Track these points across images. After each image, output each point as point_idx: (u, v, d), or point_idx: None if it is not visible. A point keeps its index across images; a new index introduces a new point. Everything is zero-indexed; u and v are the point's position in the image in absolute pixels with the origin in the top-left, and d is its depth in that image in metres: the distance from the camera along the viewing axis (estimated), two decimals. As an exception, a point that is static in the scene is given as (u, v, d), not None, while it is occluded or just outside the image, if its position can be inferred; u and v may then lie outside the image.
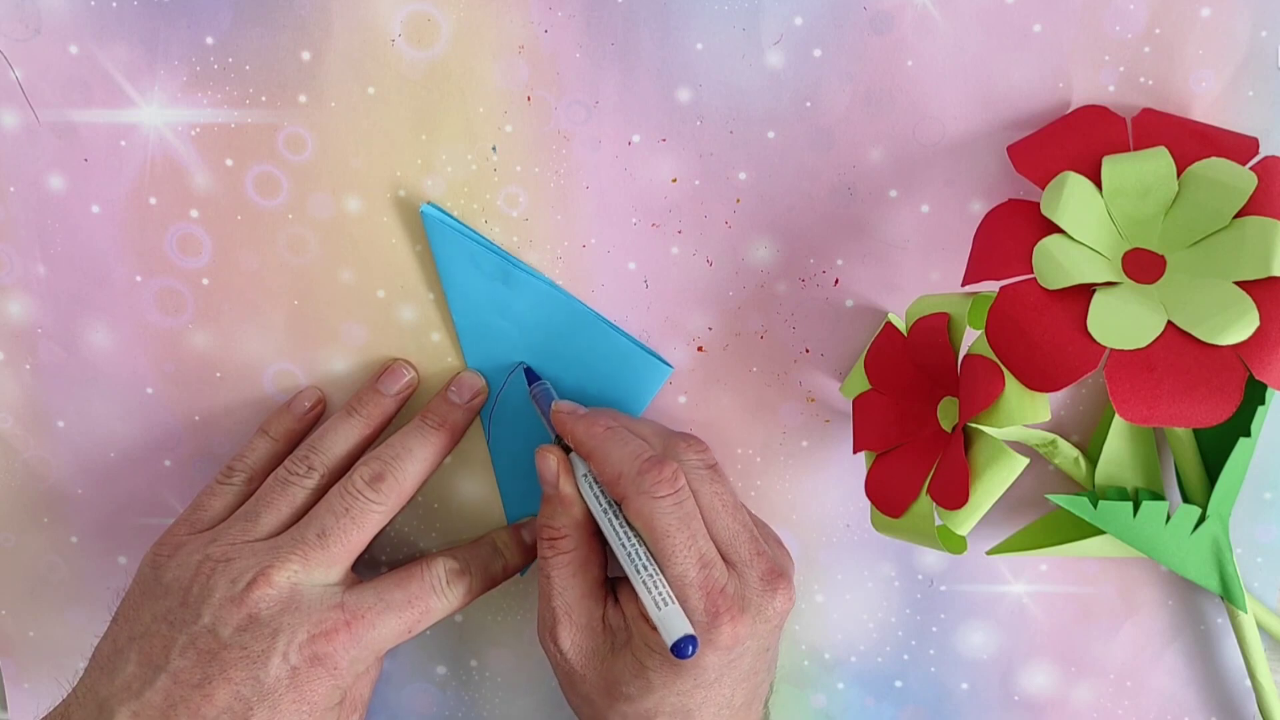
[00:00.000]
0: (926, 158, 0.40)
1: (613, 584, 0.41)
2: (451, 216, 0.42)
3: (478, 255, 0.42)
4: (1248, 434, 0.38)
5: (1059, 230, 0.36)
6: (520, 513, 0.45)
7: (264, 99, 0.42)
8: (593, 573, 0.40)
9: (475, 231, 0.42)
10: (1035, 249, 0.35)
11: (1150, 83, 0.39)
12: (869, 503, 0.40)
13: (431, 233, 0.42)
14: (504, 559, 0.43)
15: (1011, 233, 0.36)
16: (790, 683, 0.46)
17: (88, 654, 0.40)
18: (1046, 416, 0.35)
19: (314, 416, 0.45)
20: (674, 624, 0.35)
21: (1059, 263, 0.35)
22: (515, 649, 0.47)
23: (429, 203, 0.42)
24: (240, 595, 0.38)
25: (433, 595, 0.41)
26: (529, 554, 0.44)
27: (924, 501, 0.37)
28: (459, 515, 0.46)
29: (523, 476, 0.45)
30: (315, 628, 0.38)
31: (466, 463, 0.45)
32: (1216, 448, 0.40)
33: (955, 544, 0.37)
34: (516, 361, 0.43)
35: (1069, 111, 0.39)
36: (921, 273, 0.42)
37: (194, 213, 0.44)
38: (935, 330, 0.38)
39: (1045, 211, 0.36)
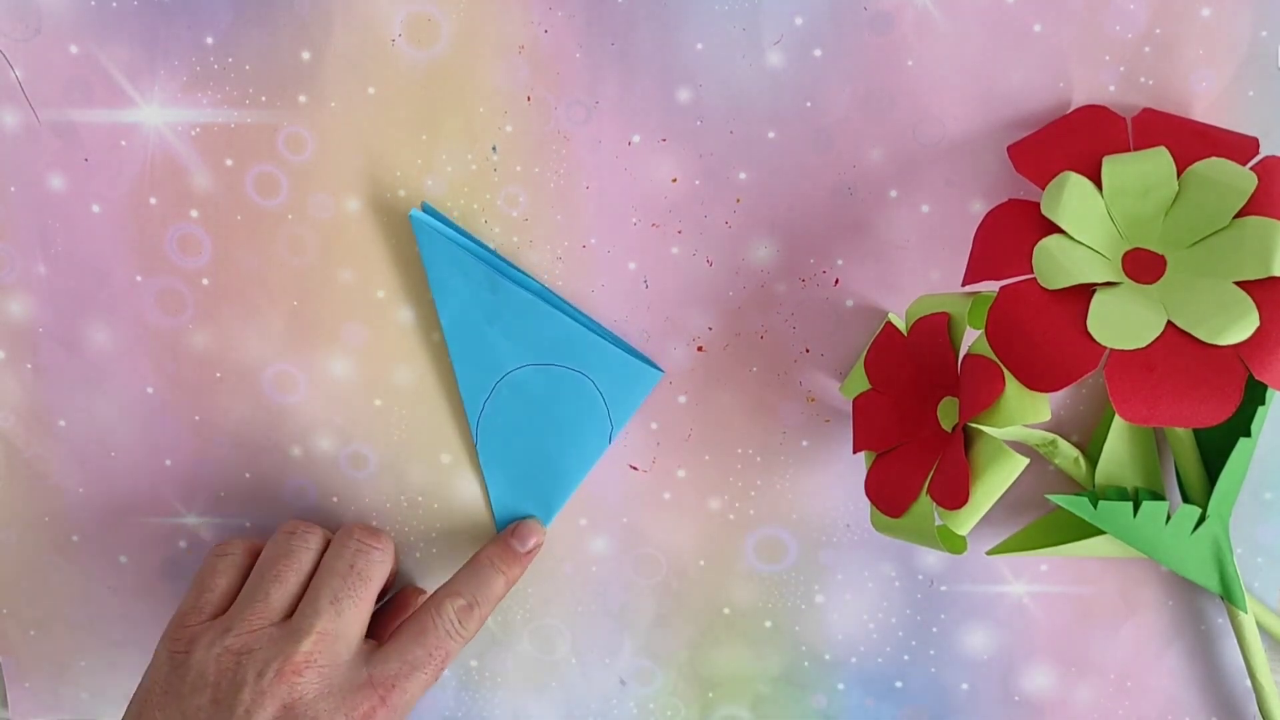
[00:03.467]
0: (926, 158, 0.40)
1: None
2: (444, 220, 0.42)
3: (466, 264, 0.41)
4: (1248, 434, 0.38)
5: (1059, 230, 0.36)
6: (509, 518, 0.45)
7: (264, 99, 0.42)
8: None
9: (467, 234, 0.42)
10: (1035, 249, 0.35)
11: (1150, 82, 0.39)
12: (869, 503, 0.40)
13: (421, 239, 0.41)
14: (503, 575, 0.43)
15: (1011, 233, 0.36)
16: (790, 683, 0.46)
17: (88, 653, 0.40)
18: (1046, 416, 0.34)
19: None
20: None
21: (1059, 263, 0.35)
22: (515, 649, 0.47)
23: (422, 203, 0.42)
24: (270, 687, 0.38)
25: (450, 640, 0.41)
26: (523, 561, 0.44)
27: (924, 501, 0.37)
28: (459, 515, 0.46)
29: (511, 483, 0.44)
30: (351, 711, 0.38)
31: (466, 463, 0.45)
32: (1216, 448, 0.40)
33: (955, 544, 0.37)
34: (506, 369, 0.43)
35: (1069, 111, 0.39)
36: (921, 273, 0.42)
37: (194, 213, 0.44)
38: (935, 330, 0.38)
39: (1045, 211, 0.36)
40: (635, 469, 0.45)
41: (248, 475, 0.46)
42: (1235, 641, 0.44)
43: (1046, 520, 0.43)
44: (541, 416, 0.43)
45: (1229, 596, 0.40)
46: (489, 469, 0.44)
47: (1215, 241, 0.35)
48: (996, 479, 0.35)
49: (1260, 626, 0.42)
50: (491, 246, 0.43)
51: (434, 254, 0.42)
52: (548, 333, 0.42)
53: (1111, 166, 0.36)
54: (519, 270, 0.43)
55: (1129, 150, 0.37)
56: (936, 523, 0.37)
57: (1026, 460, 0.35)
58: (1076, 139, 0.38)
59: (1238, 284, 0.34)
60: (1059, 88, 0.39)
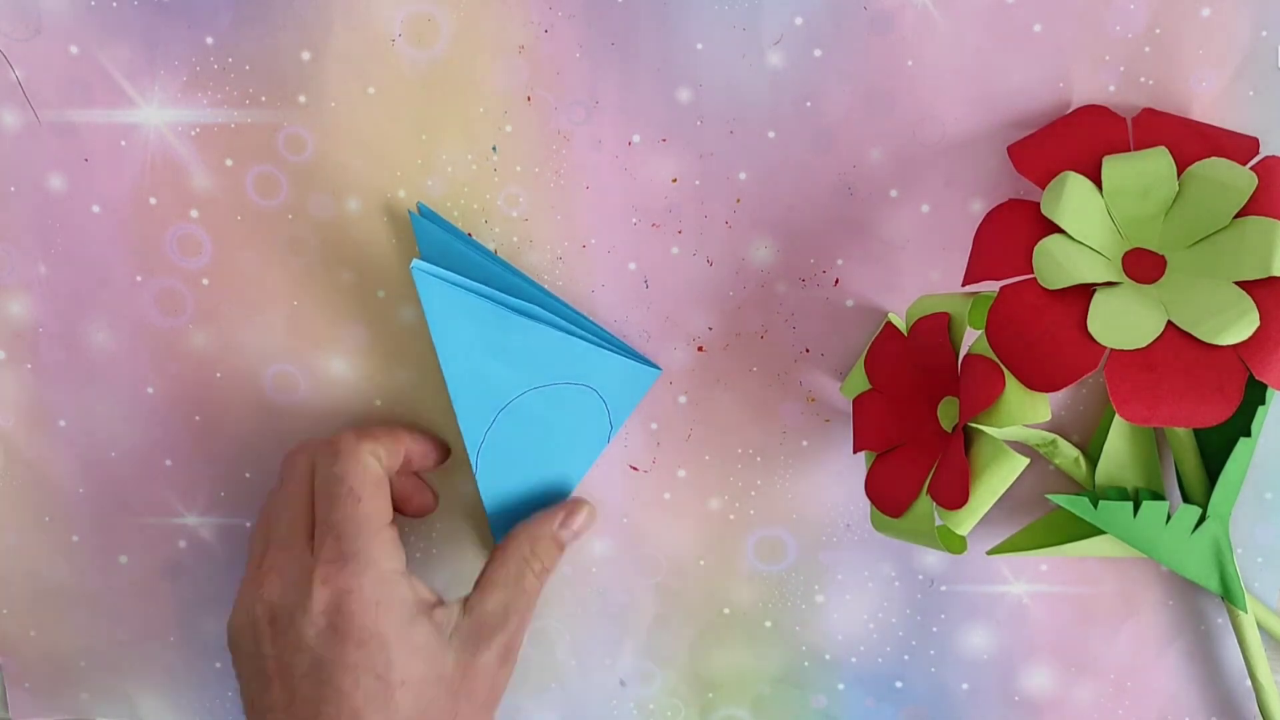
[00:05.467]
0: (926, 158, 0.40)
1: None
2: (441, 223, 0.42)
3: (471, 305, 0.40)
4: (1248, 434, 0.38)
5: (1059, 230, 0.36)
6: (506, 527, 0.44)
7: (264, 99, 0.42)
8: None
9: (465, 237, 0.42)
10: (1035, 249, 0.35)
11: (1150, 82, 0.39)
12: (869, 503, 0.40)
13: (423, 292, 0.40)
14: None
15: (1011, 233, 0.36)
16: (791, 683, 0.46)
17: (89, 654, 0.40)
18: (1046, 416, 0.35)
19: None
20: None
21: (1059, 263, 0.35)
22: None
23: (419, 204, 0.42)
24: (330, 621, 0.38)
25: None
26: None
27: (924, 501, 0.37)
28: (459, 515, 0.46)
29: (510, 495, 0.44)
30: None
31: (466, 463, 0.45)
32: (1216, 448, 0.40)
33: (955, 544, 0.37)
34: (507, 399, 0.42)
35: (1069, 111, 0.39)
36: (921, 273, 0.42)
37: (194, 213, 0.44)
38: (935, 330, 0.38)
39: (1045, 211, 0.36)
40: (635, 469, 0.45)
41: (248, 475, 0.47)
42: (1235, 641, 0.44)
43: (1046, 520, 0.43)
44: (542, 434, 0.43)
45: (1229, 596, 0.40)
46: (486, 489, 0.43)
47: (1215, 241, 0.35)
48: (996, 479, 0.35)
49: (1260, 626, 0.42)
50: (491, 248, 0.43)
51: (436, 304, 0.40)
52: (550, 353, 0.41)
53: (1111, 166, 0.36)
54: (517, 274, 0.43)
55: (1129, 150, 0.37)
56: (936, 523, 0.37)
57: (1026, 460, 0.35)
58: (1076, 139, 0.38)
59: (1238, 284, 0.34)
60: (1059, 88, 0.39)
